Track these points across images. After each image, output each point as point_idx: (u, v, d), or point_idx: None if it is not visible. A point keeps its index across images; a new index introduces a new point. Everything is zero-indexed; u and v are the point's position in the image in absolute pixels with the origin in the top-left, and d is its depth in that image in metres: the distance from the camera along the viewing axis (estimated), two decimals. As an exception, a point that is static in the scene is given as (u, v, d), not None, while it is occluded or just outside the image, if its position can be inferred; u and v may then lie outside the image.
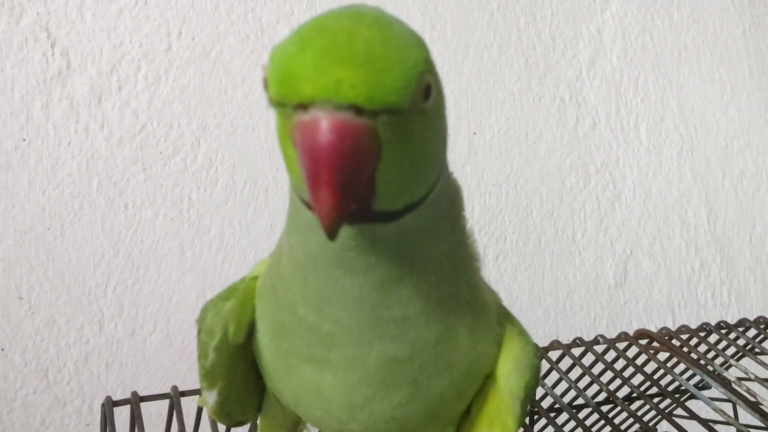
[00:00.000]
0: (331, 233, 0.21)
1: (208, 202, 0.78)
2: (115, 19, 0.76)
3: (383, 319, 0.27)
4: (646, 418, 0.69)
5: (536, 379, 0.31)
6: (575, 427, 0.61)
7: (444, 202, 0.27)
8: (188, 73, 0.79)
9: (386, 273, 0.26)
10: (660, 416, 0.63)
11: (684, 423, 0.55)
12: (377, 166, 0.21)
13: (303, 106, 0.20)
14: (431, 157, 0.25)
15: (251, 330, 0.32)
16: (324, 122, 0.19)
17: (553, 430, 0.51)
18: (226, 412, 0.34)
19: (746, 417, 0.53)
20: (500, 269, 0.91)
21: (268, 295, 0.30)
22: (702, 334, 0.61)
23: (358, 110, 0.20)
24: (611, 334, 0.61)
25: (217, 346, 0.31)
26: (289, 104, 0.20)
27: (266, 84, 0.21)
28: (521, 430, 0.62)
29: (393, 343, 0.27)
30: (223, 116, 0.80)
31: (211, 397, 0.33)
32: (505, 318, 0.32)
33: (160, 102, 0.77)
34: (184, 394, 0.47)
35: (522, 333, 0.31)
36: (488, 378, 0.32)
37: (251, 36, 0.82)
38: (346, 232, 0.24)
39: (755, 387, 0.57)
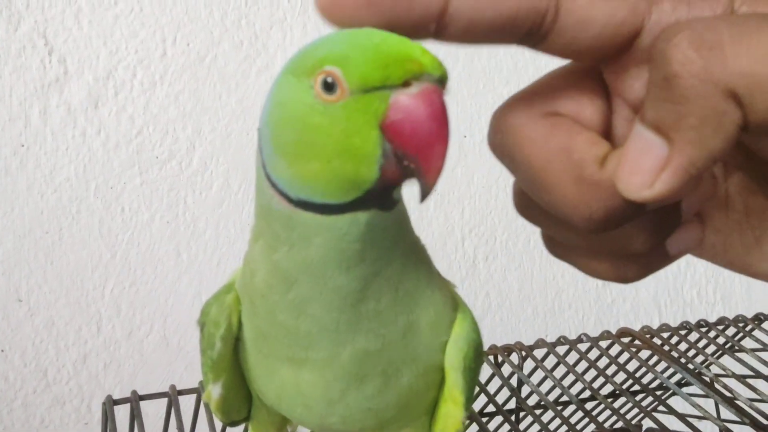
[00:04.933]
0: (432, 189, 0.23)
1: (203, 205, 0.80)
2: (111, 26, 0.77)
3: (360, 314, 0.28)
4: (630, 415, 0.71)
5: (475, 351, 0.33)
6: (560, 425, 0.63)
7: None
8: (183, 78, 0.80)
9: (372, 265, 0.27)
10: (641, 413, 0.65)
11: (667, 419, 0.57)
12: None
13: (407, 83, 0.22)
14: None
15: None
16: (435, 92, 0.22)
17: (539, 428, 0.53)
18: (226, 409, 0.36)
19: (729, 413, 0.55)
20: (490, 269, 0.93)
21: (245, 304, 0.32)
22: (683, 332, 0.63)
23: (442, 83, 0.23)
24: (599, 333, 0.63)
25: (223, 335, 0.32)
26: (388, 85, 0.22)
27: (337, 82, 0.22)
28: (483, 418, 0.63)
29: (366, 337, 0.29)
30: (218, 121, 0.81)
31: (216, 391, 0.34)
32: (457, 304, 0.34)
33: (155, 107, 0.79)
34: (182, 392, 0.49)
35: (463, 311, 0.33)
36: None
37: (245, 42, 0.83)
38: (360, 219, 0.26)
39: (734, 384, 0.59)
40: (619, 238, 0.23)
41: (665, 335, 0.63)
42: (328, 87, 0.23)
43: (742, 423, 0.53)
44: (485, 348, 0.58)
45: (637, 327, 0.63)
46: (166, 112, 0.79)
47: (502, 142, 0.23)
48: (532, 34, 0.21)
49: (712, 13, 0.20)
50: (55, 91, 0.75)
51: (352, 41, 0.22)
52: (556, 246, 0.26)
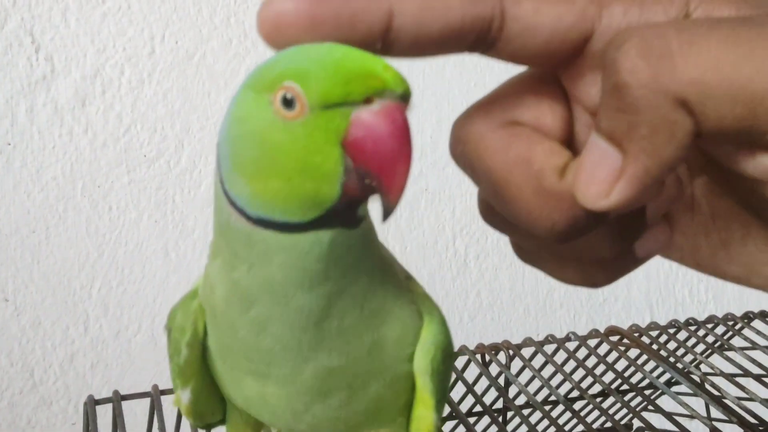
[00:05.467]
0: (394, 208, 0.22)
1: (191, 204, 0.79)
2: (98, 23, 0.77)
3: (323, 333, 0.28)
4: (619, 415, 0.71)
5: (442, 354, 0.32)
6: (549, 426, 0.62)
7: None
8: (171, 76, 0.80)
9: (336, 283, 0.27)
10: (630, 413, 0.65)
11: (656, 419, 0.56)
12: None
13: (368, 100, 0.22)
14: None
15: None
16: (398, 109, 0.22)
17: (526, 428, 0.53)
18: (198, 413, 0.35)
19: (718, 412, 0.55)
20: (481, 268, 0.92)
21: (208, 315, 0.31)
22: (672, 330, 0.63)
23: (405, 100, 0.22)
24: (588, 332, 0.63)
25: (189, 342, 0.32)
26: (349, 102, 0.22)
27: (297, 99, 0.22)
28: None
29: (330, 355, 0.29)
30: (207, 119, 0.81)
31: (185, 396, 0.34)
32: (426, 308, 0.33)
33: (143, 105, 0.78)
34: (164, 392, 0.48)
35: (430, 313, 0.33)
36: None
37: (234, 40, 0.83)
38: (322, 238, 0.25)
39: (723, 383, 0.58)
40: (585, 246, 0.23)
41: (654, 334, 0.62)
42: (288, 103, 0.22)
43: (731, 422, 0.53)
44: (473, 347, 0.58)
45: (627, 326, 0.63)
46: (155, 111, 0.79)
47: (462, 152, 0.22)
48: (479, 42, 0.21)
49: (665, 16, 0.20)
50: (41, 89, 0.74)
51: (313, 56, 0.21)
52: (524, 253, 0.26)
